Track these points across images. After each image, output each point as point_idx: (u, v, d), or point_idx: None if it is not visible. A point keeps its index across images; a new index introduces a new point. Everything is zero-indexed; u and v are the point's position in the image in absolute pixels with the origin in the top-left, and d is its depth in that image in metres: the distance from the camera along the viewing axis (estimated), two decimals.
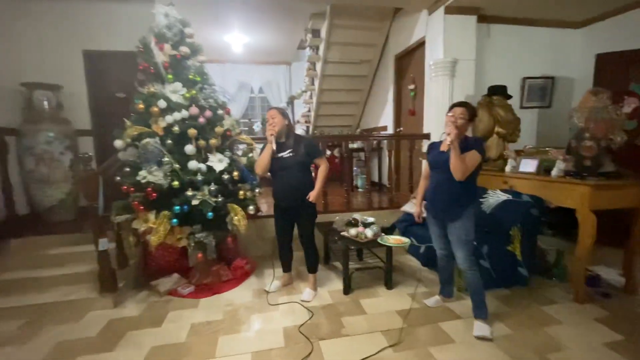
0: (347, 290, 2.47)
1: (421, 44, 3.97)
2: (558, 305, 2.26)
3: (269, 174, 2.39)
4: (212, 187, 2.36)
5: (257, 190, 2.74)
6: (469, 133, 2.13)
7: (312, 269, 2.50)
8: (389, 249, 2.50)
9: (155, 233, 2.24)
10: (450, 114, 1.88)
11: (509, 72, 3.80)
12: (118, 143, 2.40)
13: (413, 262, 3.11)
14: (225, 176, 2.46)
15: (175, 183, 2.28)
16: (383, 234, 2.63)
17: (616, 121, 2.13)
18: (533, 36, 3.84)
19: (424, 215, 2.18)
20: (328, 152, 5.62)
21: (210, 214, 2.32)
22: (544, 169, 2.65)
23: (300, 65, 6.98)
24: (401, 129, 4.71)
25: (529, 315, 2.14)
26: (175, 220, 2.28)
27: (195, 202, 2.29)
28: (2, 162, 3.13)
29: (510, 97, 3.24)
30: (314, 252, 2.48)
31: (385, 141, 4.33)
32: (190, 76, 2.48)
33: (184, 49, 2.50)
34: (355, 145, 5.46)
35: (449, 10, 3.35)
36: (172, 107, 2.38)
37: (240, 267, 2.84)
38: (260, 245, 3.36)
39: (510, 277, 2.48)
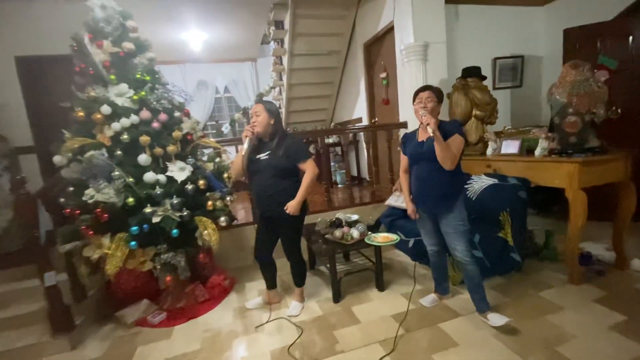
0: (337, 297, 2.28)
1: (390, 30, 3.82)
2: (555, 289, 2.18)
3: (242, 177, 2.13)
4: (175, 200, 2.08)
5: (228, 199, 2.46)
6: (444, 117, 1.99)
7: (299, 283, 2.27)
8: (378, 248, 2.33)
9: (111, 260, 1.93)
10: (417, 101, 1.77)
11: (480, 53, 3.73)
12: (57, 159, 2.06)
13: (402, 257, 2.96)
14: (189, 186, 2.17)
15: (130, 200, 1.97)
16: (370, 232, 2.46)
17: (599, 94, 2.06)
18: (500, 16, 3.78)
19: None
20: None
21: (175, 231, 2.04)
22: (526, 150, 2.57)
23: (266, 61, 6.67)
24: (376, 119, 4.56)
25: (529, 303, 2.03)
26: (133, 242, 1.97)
27: (156, 219, 2.00)
28: None
29: (485, 78, 3.15)
30: (300, 266, 2.23)
31: (362, 133, 4.15)
32: (138, 75, 2.16)
33: (128, 45, 2.17)
34: (330, 140, 5.26)
35: None
36: (118, 113, 2.06)
37: (218, 284, 2.57)
38: (239, 256, 3.09)
39: (504, 264, 2.37)
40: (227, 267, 2.91)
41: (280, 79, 5.51)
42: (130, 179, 2.01)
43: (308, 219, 3.20)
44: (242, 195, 3.74)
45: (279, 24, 4.83)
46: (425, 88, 1.81)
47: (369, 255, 2.72)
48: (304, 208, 2.08)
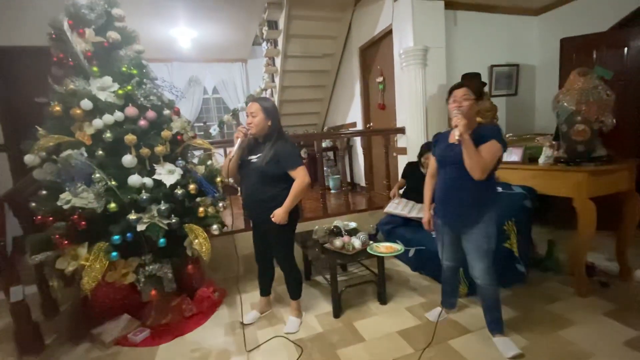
0: (337, 312, 2.12)
1: (387, 34, 3.75)
2: (562, 302, 2.10)
3: (231, 180, 1.98)
4: (162, 206, 1.88)
5: (220, 205, 2.28)
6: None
7: (295, 296, 2.11)
8: (381, 259, 2.20)
9: (89, 273, 1.71)
10: (451, 101, 1.59)
11: (477, 60, 3.71)
12: (29, 158, 1.83)
13: (401, 267, 2.85)
14: (179, 191, 1.98)
15: (112, 205, 1.76)
16: (371, 241, 2.33)
17: (607, 102, 2.02)
18: (496, 24, 3.78)
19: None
20: None
21: (162, 240, 1.85)
22: (528, 158, 2.52)
23: (257, 62, 6.51)
24: (371, 124, 4.48)
25: (538, 318, 1.95)
26: (114, 253, 1.77)
27: (141, 227, 1.80)
28: None
29: (485, 84, 3.12)
30: (294, 276, 2.07)
31: (358, 138, 4.05)
32: (124, 69, 1.97)
33: (113, 35, 1.98)
34: (323, 145, 5.14)
35: None
36: (100, 108, 1.86)
37: (207, 297, 2.37)
38: (229, 266, 2.89)
39: (509, 276, 2.29)
40: (216, 278, 2.71)
41: (273, 80, 5.36)
42: (113, 182, 1.80)
43: (304, 226, 3.07)
44: (234, 200, 3.55)
45: (272, 24, 4.69)
46: (460, 85, 1.62)
47: (367, 264, 2.60)
48: (295, 215, 1.95)
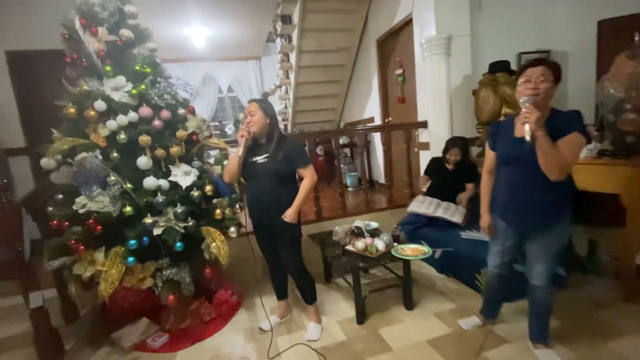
0: (361, 318, 2.01)
1: (407, 23, 3.58)
2: (609, 309, 1.91)
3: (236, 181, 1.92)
4: (179, 208, 1.82)
5: (237, 206, 2.21)
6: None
7: (309, 300, 2.02)
8: (407, 262, 2.07)
9: (106, 279, 1.67)
10: (523, 80, 1.28)
11: (504, 47, 3.46)
12: (45, 162, 1.80)
13: (425, 268, 2.70)
14: (195, 193, 1.91)
15: (128, 209, 1.71)
16: (395, 243, 2.20)
17: None
18: (524, 7, 3.53)
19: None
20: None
21: (179, 244, 1.78)
22: None
23: (271, 59, 6.44)
24: (390, 119, 4.31)
25: (585, 327, 1.77)
26: (131, 258, 1.72)
27: (157, 231, 1.74)
28: None
29: (514, 72, 2.90)
30: (306, 280, 1.98)
31: (378, 134, 3.90)
32: (137, 67, 1.91)
33: (126, 33, 1.92)
34: (340, 141, 5.01)
35: None
36: (114, 109, 1.80)
37: (225, 300, 2.31)
38: (247, 267, 2.82)
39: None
40: (234, 280, 2.65)
41: (287, 77, 5.26)
42: (128, 185, 1.75)
43: (322, 227, 2.97)
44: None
45: (286, 19, 4.59)
46: (537, 62, 1.31)
47: (390, 267, 2.47)
48: (300, 215, 1.91)
